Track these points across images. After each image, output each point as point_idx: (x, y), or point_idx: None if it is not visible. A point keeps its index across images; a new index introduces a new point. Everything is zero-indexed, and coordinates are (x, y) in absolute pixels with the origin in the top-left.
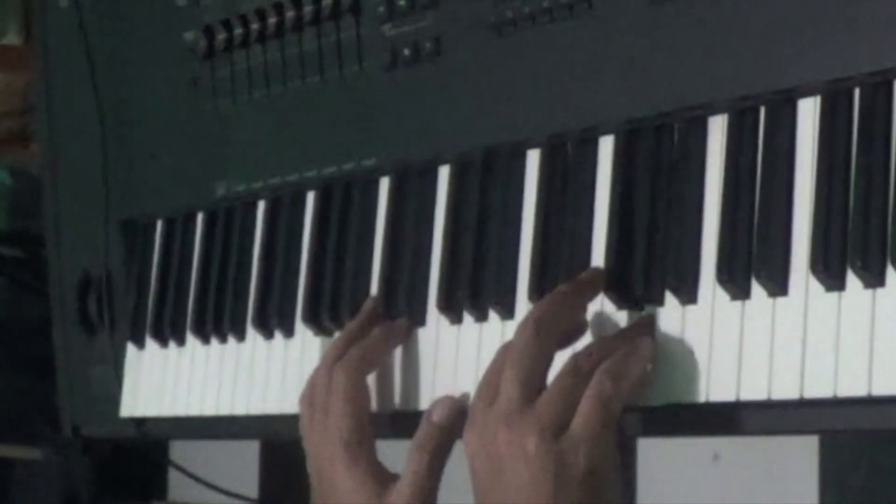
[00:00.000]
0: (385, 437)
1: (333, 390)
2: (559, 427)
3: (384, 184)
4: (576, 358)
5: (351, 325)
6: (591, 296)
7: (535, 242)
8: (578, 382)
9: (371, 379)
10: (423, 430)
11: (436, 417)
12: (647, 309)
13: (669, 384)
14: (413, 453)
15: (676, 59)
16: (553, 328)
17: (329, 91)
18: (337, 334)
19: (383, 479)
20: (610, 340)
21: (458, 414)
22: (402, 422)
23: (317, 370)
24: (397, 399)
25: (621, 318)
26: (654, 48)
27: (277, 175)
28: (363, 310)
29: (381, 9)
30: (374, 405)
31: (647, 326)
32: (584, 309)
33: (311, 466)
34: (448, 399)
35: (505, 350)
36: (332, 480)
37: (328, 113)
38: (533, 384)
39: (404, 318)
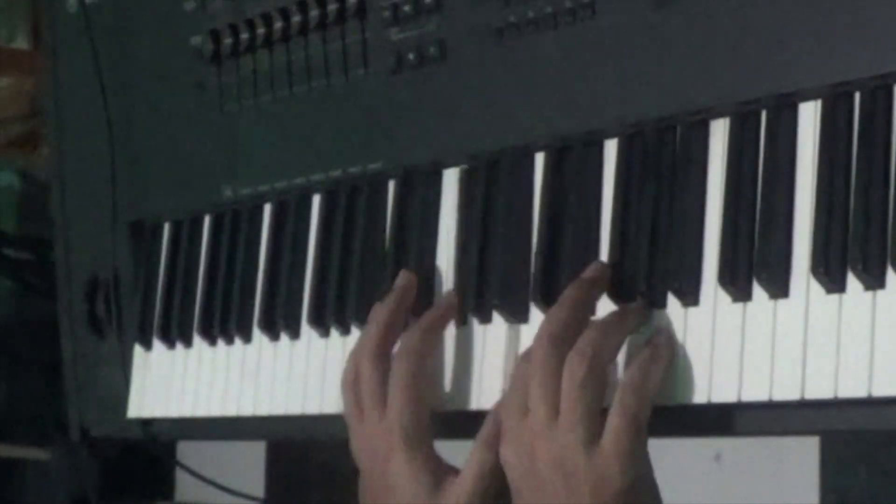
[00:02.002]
0: None
1: (394, 381)
2: (592, 439)
3: (390, 187)
4: (580, 355)
5: (388, 304)
6: (599, 292)
7: (540, 245)
8: (596, 376)
9: None
10: (489, 428)
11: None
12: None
13: (672, 385)
14: (478, 450)
15: (679, 64)
16: (568, 337)
17: (335, 95)
18: (377, 307)
19: (442, 473)
20: (606, 330)
21: None
22: None
23: (360, 356)
24: None
25: None
26: (656, 53)
27: (284, 178)
28: (398, 287)
29: (387, 13)
30: None
31: (666, 330)
32: (594, 306)
33: (362, 458)
34: None
35: (524, 362)
36: (388, 473)
37: (334, 116)
38: (558, 397)
39: (450, 293)
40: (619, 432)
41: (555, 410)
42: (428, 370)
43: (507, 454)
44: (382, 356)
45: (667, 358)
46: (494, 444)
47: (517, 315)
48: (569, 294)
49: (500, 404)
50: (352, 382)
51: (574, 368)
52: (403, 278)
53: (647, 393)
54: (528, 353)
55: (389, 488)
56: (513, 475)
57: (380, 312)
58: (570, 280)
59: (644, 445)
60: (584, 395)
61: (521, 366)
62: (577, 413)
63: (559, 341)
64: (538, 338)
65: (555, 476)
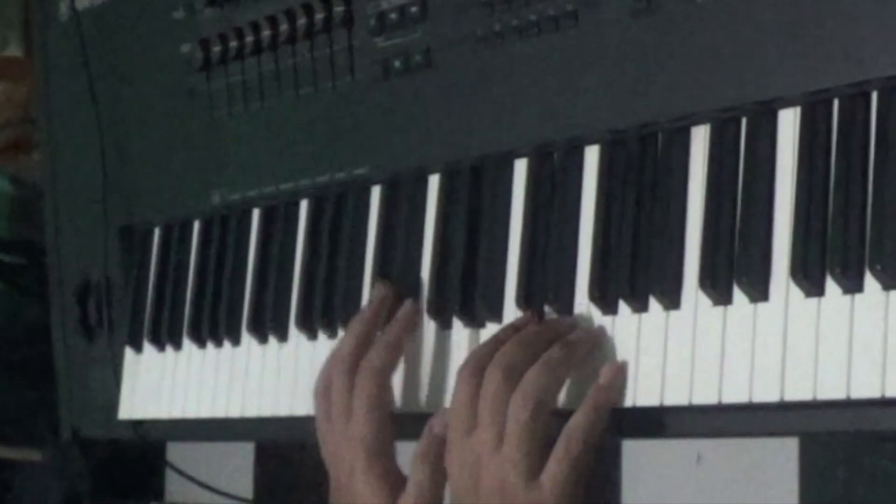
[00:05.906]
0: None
1: (358, 395)
2: (532, 474)
3: (375, 192)
4: (524, 392)
5: (365, 315)
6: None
7: (523, 249)
8: (540, 417)
9: None
10: (424, 442)
11: (437, 429)
12: (632, 315)
13: (654, 387)
14: (416, 464)
15: (660, 71)
16: (521, 369)
17: (322, 102)
18: (355, 319)
19: (400, 485)
20: (553, 368)
21: None
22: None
23: (334, 366)
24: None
25: (606, 322)
26: (638, 60)
27: (272, 184)
28: (374, 299)
29: (373, 22)
30: None
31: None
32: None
33: (329, 464)
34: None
35: (464, 378)
36: (350, 482)
37: (321, 123)
38: (505, 425)
39: (408, 301)
40: (559, 476)
41: (500, 437)
42: (390, 384)
43: (452, 467)
44: (354, 368)
45: (611, 402)
46: (428, 455)
47: (499, 317)
48: (532, 330)
49: (435, 420)
50: (324, 391)
51: (518, 410)
52: (379, 290)
53: (592, 441)
54: (467, 369)
55: (353, 497)
56: (454, 486)
57: (355, 324)
58: (551, 285)
59: (581, 488)
60: (528, 435)
61: (462, 383)
62: (520, 451)
63: (510, 373)
64: (490, 369)
65: (494, 500)
